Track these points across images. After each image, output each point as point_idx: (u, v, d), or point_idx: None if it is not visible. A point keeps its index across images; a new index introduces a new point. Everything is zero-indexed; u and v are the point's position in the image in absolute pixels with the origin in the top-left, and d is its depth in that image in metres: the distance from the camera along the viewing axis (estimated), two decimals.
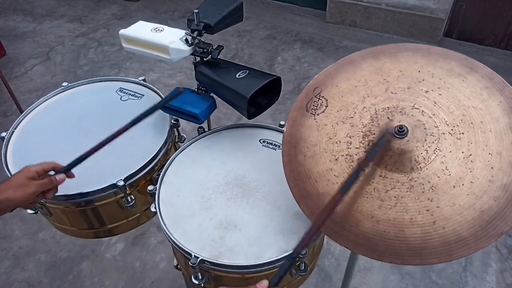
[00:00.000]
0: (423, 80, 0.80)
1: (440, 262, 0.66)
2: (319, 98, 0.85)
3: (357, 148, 0.77)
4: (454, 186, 0.69)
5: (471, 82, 0.78)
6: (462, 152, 0.71)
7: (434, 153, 0.72)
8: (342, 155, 0.77)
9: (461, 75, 0.79)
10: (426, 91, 0.79)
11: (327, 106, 0.83)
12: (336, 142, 0.79)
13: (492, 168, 0.69)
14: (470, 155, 0.71)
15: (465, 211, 0.67)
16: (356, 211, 0.72)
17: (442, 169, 0.71)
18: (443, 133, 0.74)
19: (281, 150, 0.85)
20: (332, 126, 0.81)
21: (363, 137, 0.78)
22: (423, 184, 0.70)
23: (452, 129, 0.74)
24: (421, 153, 0.73)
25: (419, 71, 0.82)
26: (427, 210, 0.69)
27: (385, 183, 0.72)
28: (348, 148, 0.78)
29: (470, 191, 0.68)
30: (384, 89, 0.81)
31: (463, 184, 0.69)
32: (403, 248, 0.67)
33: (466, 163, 0.70)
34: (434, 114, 0.76)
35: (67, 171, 0.85)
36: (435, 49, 0.83)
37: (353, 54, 0.88)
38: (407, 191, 0.71)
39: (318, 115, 0.83)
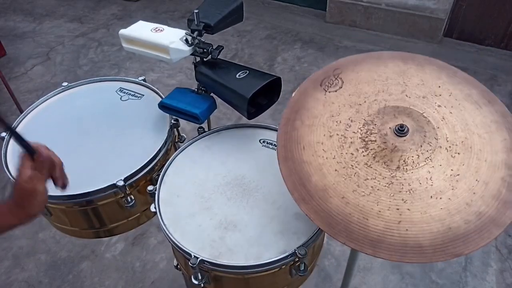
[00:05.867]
0: (440, 95, 0.83)
1: (389, 259, 0.67)
2: (336, 78, 0.87)
3: (354, 132, 0.79)
4: (431, 197, 0.70)
5: (484, 112, 0.80)
6: (452, 169, 0.73)
7: (425, 161, 0.73)
8: (337, 134, 0.79)
9: (477, 103, 0.81)
10: (439, 105, 0.81)
11: (341, 87, 0.86)
12: (337, 121, 0.81)
13: (474, 193, 0.70)
14: (458, 175, 0.72)
15: (433, 222, 0.68)
16: (330, 188, 0.73)
17: (426, 178, 0.72)
18: (440, 147, 0.75)
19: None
20: (339, 106, 0.83)
21: (363, 125, 0.79)
22: (402, 185, 0.72)
23: (450, 147, 0.75)
24: (412, 156, 0.74)
25: (439, 86, 0.84)
26: (397, 209, 0.70)
27: (367, 172, 0.74)
28: (346, 130, 0.79)
29: (445, 207, 0.69)
30: (400, 91, 0.84)
31: (441, 198, 0.70)
32: (361, 235, 0.69)
33: (451, 181, 0.72)
34: (438, 128, 0.77)
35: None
36: (461, 73, 0.87)
37: (384, 51, 0.92)
38: (385, 186, 0.72)
39: (329, 92, 0.86)
